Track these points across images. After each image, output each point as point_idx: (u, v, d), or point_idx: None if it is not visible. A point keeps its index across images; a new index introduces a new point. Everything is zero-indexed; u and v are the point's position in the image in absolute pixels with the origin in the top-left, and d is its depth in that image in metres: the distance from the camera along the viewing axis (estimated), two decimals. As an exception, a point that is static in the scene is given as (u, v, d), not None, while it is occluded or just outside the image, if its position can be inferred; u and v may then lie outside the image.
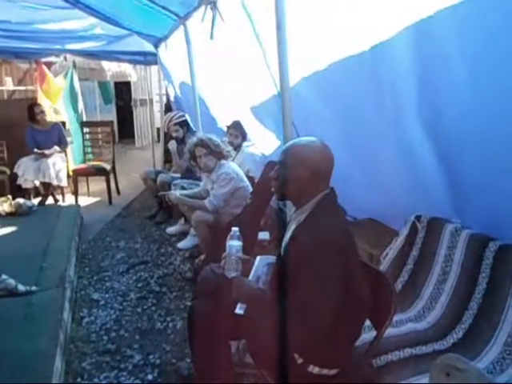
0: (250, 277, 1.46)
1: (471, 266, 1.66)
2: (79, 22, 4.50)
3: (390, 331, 1.45)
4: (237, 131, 3.49)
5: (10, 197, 3.88)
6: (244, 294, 1.34)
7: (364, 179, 2.19)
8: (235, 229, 1.48)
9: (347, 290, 1.18)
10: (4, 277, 2.22)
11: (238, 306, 1.33)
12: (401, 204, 2.05)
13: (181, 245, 3.41)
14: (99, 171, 4.88)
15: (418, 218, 1.96)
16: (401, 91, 1.60)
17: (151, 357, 2.07)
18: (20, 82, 6.15)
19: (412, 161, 1.78)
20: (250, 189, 2.92)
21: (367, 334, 1.49)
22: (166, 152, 5.18)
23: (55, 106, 5.26)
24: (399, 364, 1.47)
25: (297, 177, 1.30)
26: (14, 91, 5.99)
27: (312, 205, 1.31)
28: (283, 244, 1.40)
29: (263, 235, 2.85)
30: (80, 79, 5.81)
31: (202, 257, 2.92)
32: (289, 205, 2.12)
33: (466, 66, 1.31)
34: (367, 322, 1.43)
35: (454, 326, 1.59)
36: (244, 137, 3.54)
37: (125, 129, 9.18)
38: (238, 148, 3.49)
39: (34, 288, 2.29)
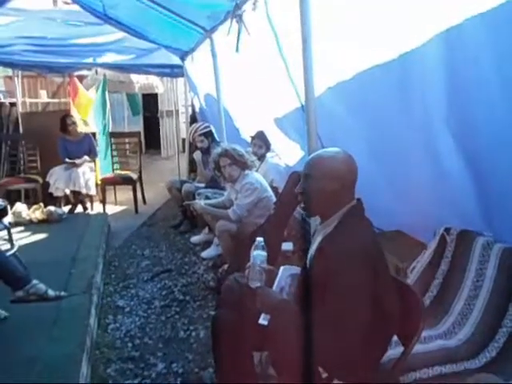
0: (274, 287, 1.45)
1: (505, 281, 1.59)
2: (110, 36, 4.69)
3: (417, 347, 1.40)
4: (261, 141, 3.51)
5: (41, 204, 4.03)
6: (268, 304, 1.33)
7: (391, 190, 2.15)
8: (260, 239, 1.47)
9: (376, 305, 1.15)
10: (35, 282, 2.30)
11: (262, 316, 1.32)
12: (429, 216, 2.00)
13: (204, 254, 3.43)
14: (126, 180, 5.01)
15: (448, 230, 1.90)
16: (429, 100, 1.57)
17: (174, 365, 2.08)
18: (54, 95, 6.42)
19: (441, 171, 1.74)
20: (274, 199, 2.92)
21: (394, 350, 1.44)
22: (191, 162, 5.26)
23: (84, 118, 5.46)
24: (427, 382, 1.41)
25: (322, 190, 1.29)
26: (48, 103, 6.26)
27: (339, 217, 1.30)
28: (309, 256, 1.38)
29: (287, 246, 2.84)
30: (109, 92, 6.01)
31: (226, 266, 2.93)
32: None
33: (496, 73, 1.28)
34: (394, 337, 1.39)
35: (486, 344, 1.52)
36: (268, 147, 3.55)
37: (151, 139, 9.39)
38: (261, 158, 3.51)
39: (63, 293, 2.36)
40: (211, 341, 1.66)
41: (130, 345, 2.27)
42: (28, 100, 6.02)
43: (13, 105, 5.51)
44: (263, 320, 1.31)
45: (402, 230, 2.37)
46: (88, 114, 5.50)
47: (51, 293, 2.31)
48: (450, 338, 1.65)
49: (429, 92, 1.56)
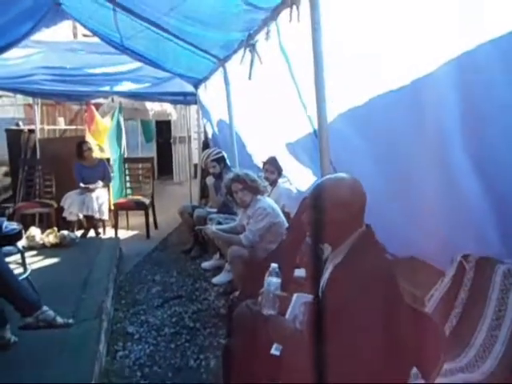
0: (287, 315, 1.41)
1: (528, 311, 1.52)
2: (126, 66, 4.87)
3: (439, 381, 1.33)
4: (272, 167, 3.53)
5: (55, 229, 4.07)
6: (280, 334, 1.29)
7: (405, 215, 2.12)
8: (274, 265, 1.45)
9: (391, 336, 1.10)
10: (45, 308, 2.28)
11: (274, 346, 1.28)
12: (446, 242, 1.95)
13: (216, 280, 3.39)
14: (139, 205, 5.04)
15: (466, 257, 1.85)
16: (444, 123, 1.57)
17: (183, 396, 2.02)
18: (71, 122, 6.61)
19: (458, 195, 1.70)
20: (286, 224, 2.90)
21: (415, 382, 1.37)
22: (203, 187, 5.29)
23: (100, 144, 5.59)
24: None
25: (328, 219, 1.24)
26: (65, 130, 6.45)
27: (348, 245, 1.26)
28: (321, 284, 1.35)
29: (299, 272, 2.77)
30: (125, 119, 6.17)
31: (237, 293, 2.88)
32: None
33: (511, 97, 1.27)
34: (414, 369, 1.32)
35: (512, 378, 1.44)
36: (280, 173, 3.56)
37: (164, 165, 9.51)
38: (273, 183, 3.51)
39: (71, 321, 2.34)
40: (222, 370, 1.61)
41: (138, 374, 2.22)
42: (46, 127, 6.21)
43: (31, 131, 5.68)
44: (275, 350, 1.27)
45: (417, 256, 2.31)
46: (104, 141, 5.63)
47: (59, 320, 2.29)
48: (472, 371, 1.57)
49: (443, 116, 1.56)
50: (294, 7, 1.90)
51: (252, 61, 2.63)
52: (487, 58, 1.27)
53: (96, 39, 4.18)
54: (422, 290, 2.01)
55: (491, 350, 1.58)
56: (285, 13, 2.04)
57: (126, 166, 5.61)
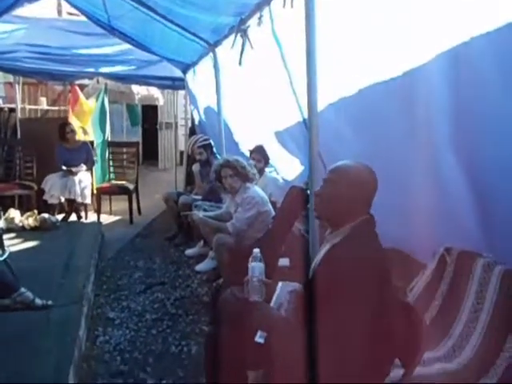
0: (272, 303, 1.42)
1: (505, 303, 1.56)
2: (113, 47, 4.73)
3: (417, 370, 1.36)
4: (259, 155, 3.51)
5: (35, 211, 3.97)
6: (266, 321, 1.29)
7: (390, 208, 2.13)
8: (256, 250, 1.45)
9: (379, 324, 1.11)
10: (23, 290, 2.24)
11: (258, 334, 1.27)
12: (428, 235, 1.97)
13: (199, 267, 3.38)
14: (122, 190, 4.96)
15: (448, 250, 1.88)
16: (434, 118, 1.57)
17: (164, 382, 2.01)
18: (54, 103, 6.42)
19: (442, 190, 1.72)
20: (273, 213, 2.89)
21: (394, 373, 1.40)
22: (189, 174, 5.23)
23: (84, 126, 5.45)
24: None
25: (341, 195, 1.28)
26: (47, 111, 6.26)
27: (350, 228, 1.28)
28: (312, 265, 1.35)
29: (283, 261, 2.79)
30: (109, 102, 6.02)
31: (221, 280, 2.88)
32: (311, 232, 2.08)
33: (503, 94, 1.28)
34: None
35: (487, 369, 1.48)
36: (266, 161, 3.54)
37: (149, 151, 9.38)
38: (260, 172, 3.49)
39: (50, 302, 2.30)
40: (204, 357, 1.60)
41: (119, 359, 2.20)
42: (28, 106, 6.01)
43: (12, 110, 5.49)
44: (259, 338, 1.27)
45: (398, 247, 2.34)
46: (88, 123, 5.50)
47: (38, 302, 2.25)
48: (450, 360, 1.61)
49: (433, 110, 1.56)
50: (288, -8, 1.87)
51: (243, 46, 2.59)
52: (480, 51, 1.27)
53: (82, 18, 4.04)
54: (403, 281, 2.04)
55: (468, 340, 1.62)
56: (278, -2, 2.00)
57: (110, 149, 5.50)
